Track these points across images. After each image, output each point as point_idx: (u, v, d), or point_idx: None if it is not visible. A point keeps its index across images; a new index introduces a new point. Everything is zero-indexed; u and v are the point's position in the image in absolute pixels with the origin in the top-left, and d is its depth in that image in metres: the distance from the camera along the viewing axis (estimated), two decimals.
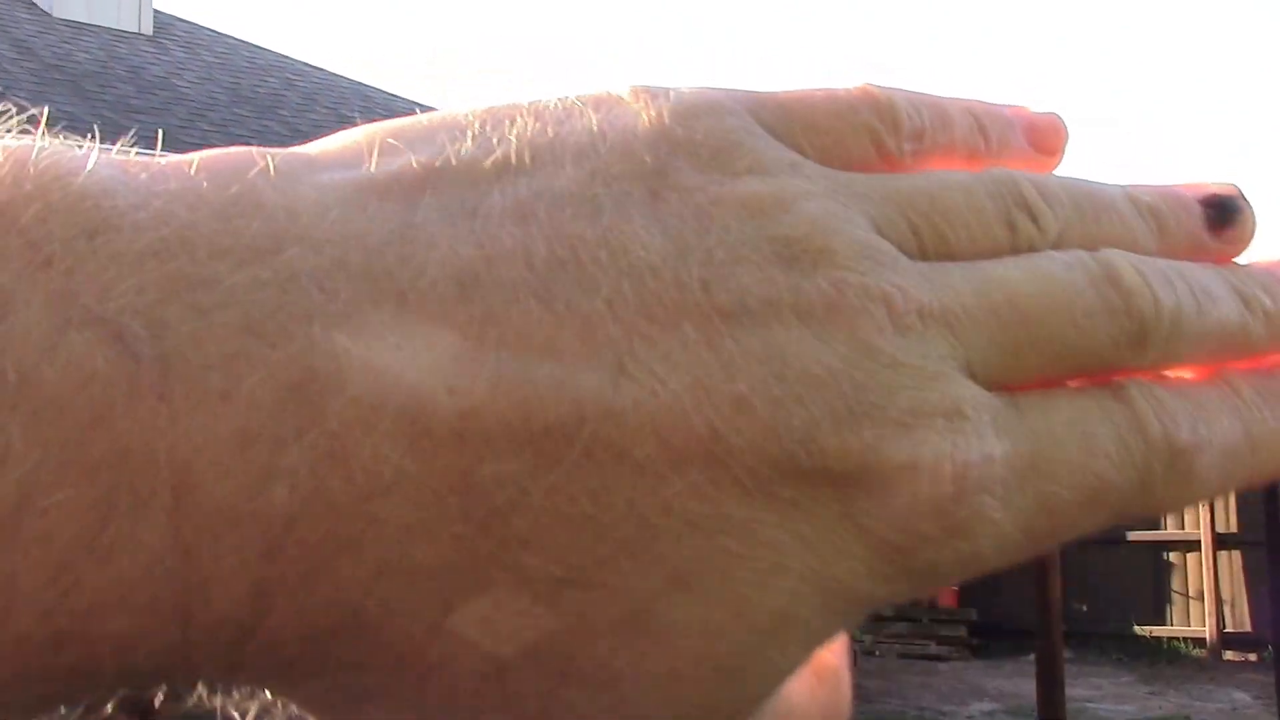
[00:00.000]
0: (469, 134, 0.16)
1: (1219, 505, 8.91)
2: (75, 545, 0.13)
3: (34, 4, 8.73)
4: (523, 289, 0.15)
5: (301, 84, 9.22)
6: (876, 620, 9.21)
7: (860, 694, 7.87)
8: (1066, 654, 6.06)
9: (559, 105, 0.17)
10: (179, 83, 8.37)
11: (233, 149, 0.16)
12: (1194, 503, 0.19)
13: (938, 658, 8.88)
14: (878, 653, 8.84)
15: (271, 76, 9.15)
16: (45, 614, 0.14)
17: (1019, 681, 7.55)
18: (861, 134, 0.18)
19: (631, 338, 0.15)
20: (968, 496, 0.16)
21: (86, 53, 8.27)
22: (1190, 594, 9.08)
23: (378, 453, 0.14)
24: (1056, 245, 0.18)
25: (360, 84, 9.86)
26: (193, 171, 0.15)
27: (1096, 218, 0.18)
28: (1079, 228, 0.18)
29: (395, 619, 0.15)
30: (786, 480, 0.15)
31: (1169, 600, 9.16)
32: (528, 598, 0.15)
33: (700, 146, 0.17)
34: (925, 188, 0.18)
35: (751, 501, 0.15)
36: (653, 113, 0.17)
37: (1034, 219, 0.18)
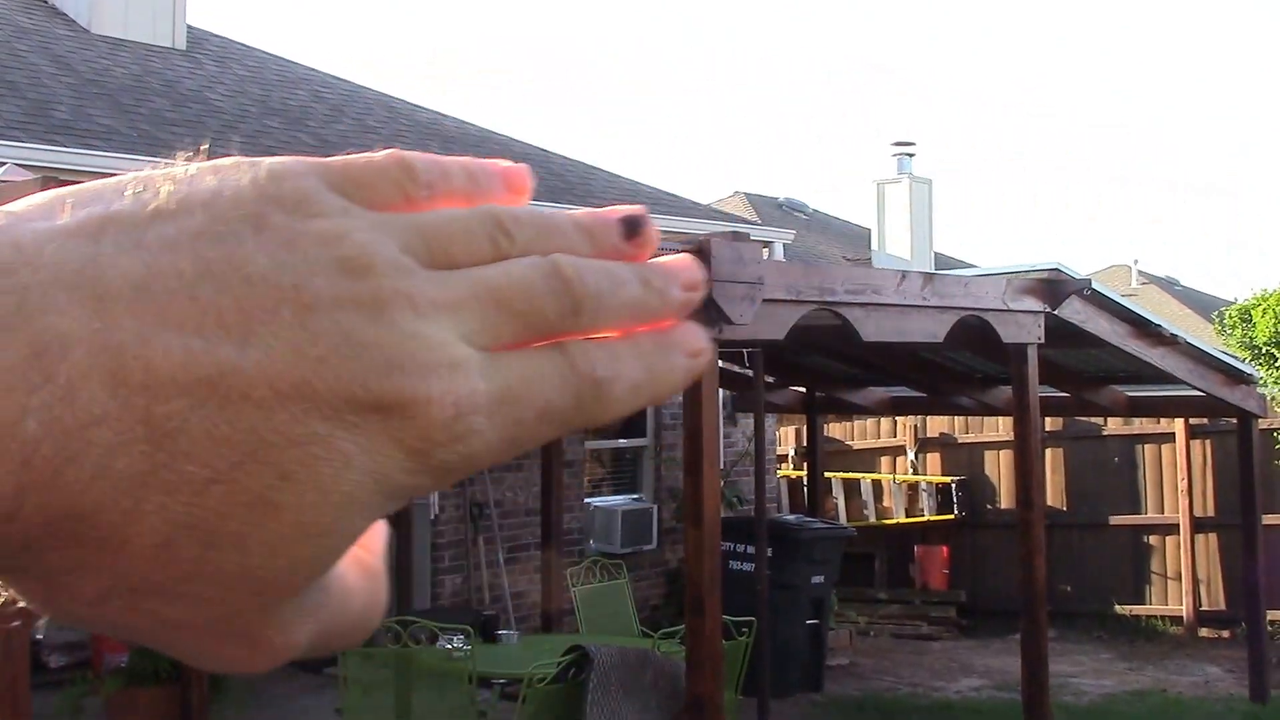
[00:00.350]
0: (130, 193, 0.23)
1: (1198, 490, 8.89)
2: None
3: (73, 20, 8.73)
4: (178, 292, 0.22)
5: (329, 96, 9.19)
6: (872, 603, 9.21)
7: (856, 671, 7.88)
8: (1050, 632, 6.08)
9: (189, 171, 0.24)
10: (212, 96, 8.35)
11: None
12: (616, 417, 0.26)
13: (929, 637, 8.90)
14: (872, 633, 8.86)
15: (300, 89, 9.12)
16: None
17: (1006, 659, 7.57)
18: (392, 186, 0.25)
19: (251, 321, 0.22)
20: (463, 417, 0.23)
21: (123, 68, 8.26)
22: (1168, 575, 9.08)
23: (92, 396, 0.21)
24: (524, 254, 0.25)
25: (385, 95, 9.82)
26: None
27: (550, 235, 0.26)
28: (539, 242, 0.25)
29: (103, 508, 0.21)
30: (351, 409, 0.22)
31: (1148, 581, 9.17)
32: (188, 491, 0.22)
33: (286, 198, 0.23)
34: (435, 220, 0.25)
35: (331, 423, 0.22)
36: (252, 176, 0.24)
37: (508, 235, 0.25)
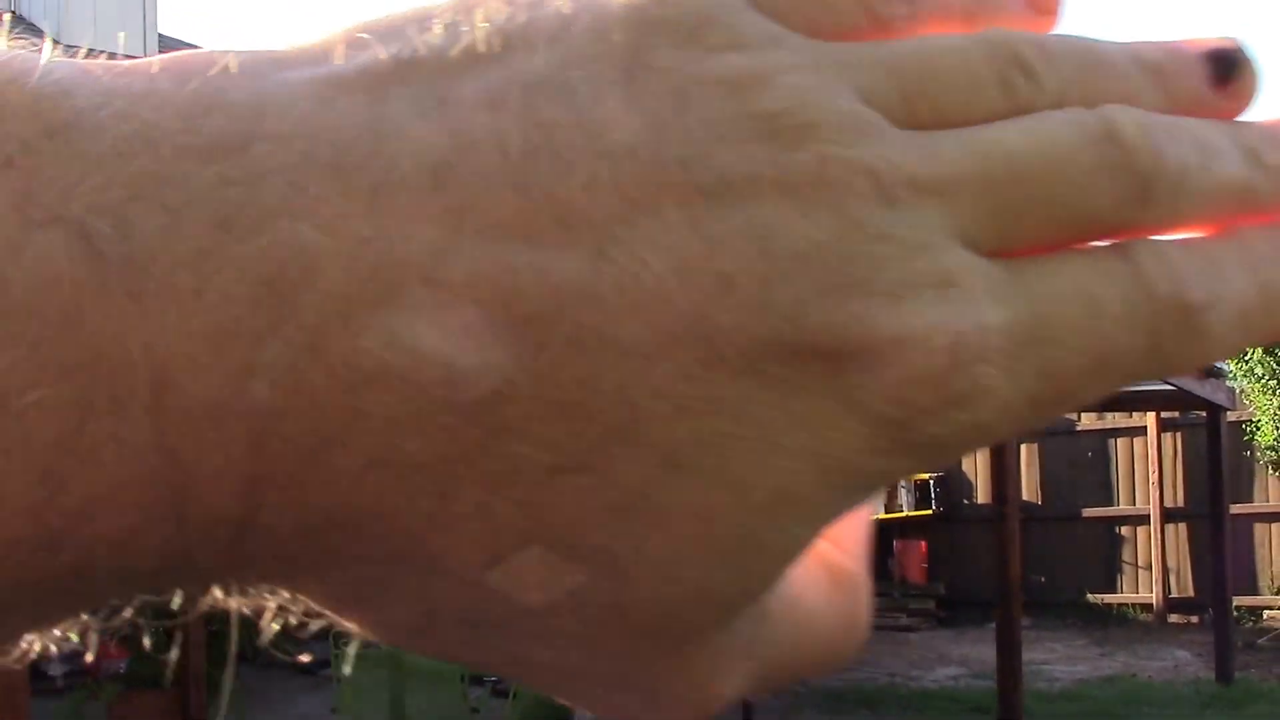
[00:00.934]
0: (438, 24, 0.16)
1: (1168, 482, 9.27)
2: (56, 447, 0.14)
3: (40, 30, 8.83)
4: (497, 177, 0.15)
5: None
6: None
7: None
8: (1025, 621, 6.38)
9: None
10: None
11: (195, 51, 0.16)
12: (1209, 362, 0.18)
13: (908, 628, 9.14)
14: None
15: None
16: (34, 515, 0.14)
17: (982, 648, 7.87)
18: (854, 3, 0.17)
19: (611, 221, 0.15)
20: (964, 367, 0.15)
21: None
22: (1139, 564, 9.41)
23: (357, 345, 0.14)
24: (1056, 105, 0.17)
25: None
26: (155, 71, 0.15)
27: (1097, 75, 0.17)
28: (1079, 86, 0.17)
29: (390, 511, 0.15)
30: (776, 358, 0.15)
31: (1119, 570, 9.47)
32: (521, 486, 0.15)
33: (676, 23, 0.16)
34: (916, 52, 0.17)
35: (742, 381, 0.15)
36: None
37: (1031, 79, 0.17)
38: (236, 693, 5.54)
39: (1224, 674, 7.24)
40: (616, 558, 0.15)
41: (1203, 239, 0.18)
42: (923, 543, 9.90)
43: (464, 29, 0.16)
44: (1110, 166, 0.16)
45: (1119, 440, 9.52)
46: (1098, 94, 0.17)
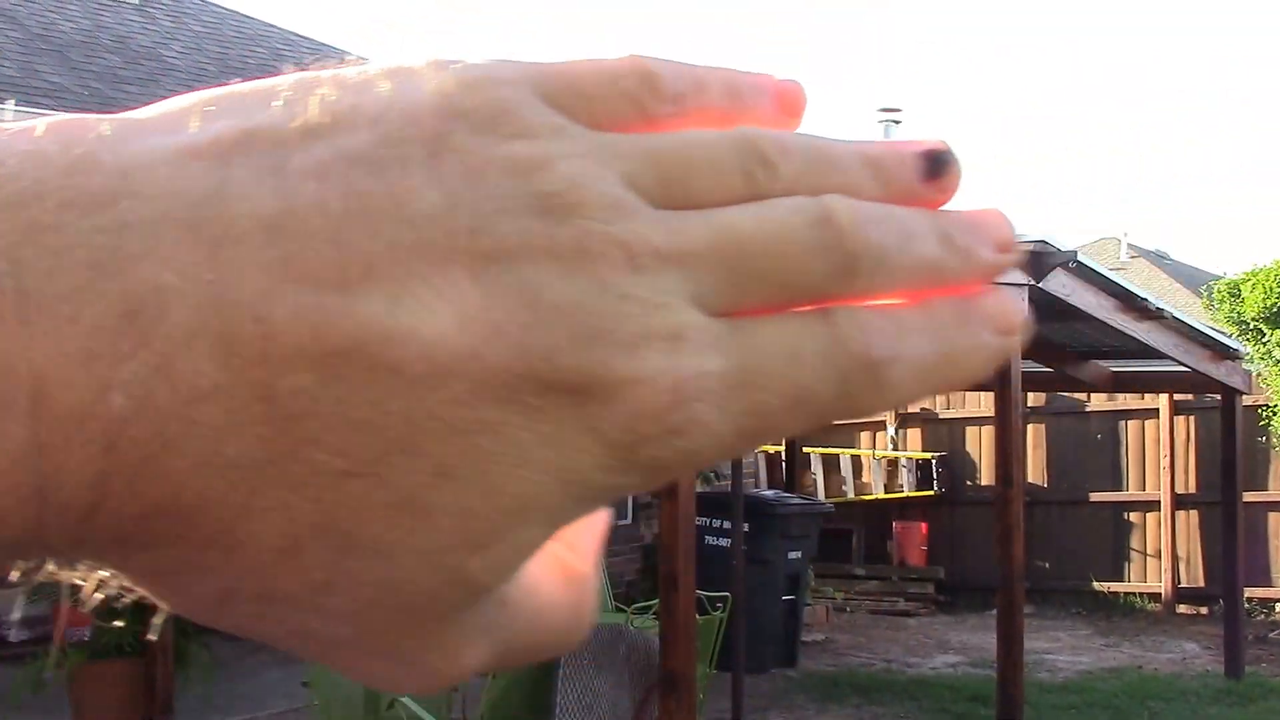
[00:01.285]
0: (277, 102, 0.19)
1: (1180, 467, 9.15)
2: None
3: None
4: (318, 235, 0.18)
5: (289, 54, 9.17)
6: (849, 579, 9.44)
7: (830, 648, 8.10)
8: (1028, 609, 6.29)
9: (359, 76, 0.20)
10: (166, 53, 8.32)
11: (73, 116, 0.19)
12: (893, 407, 0.22)
13: (906, 613, 9.14)
14: (849, 609, 9.09)
15: (259, 46, 9.09)
16: None
17: (983, 635, 7.81)
18: (625, 99, 0.20)
19: (409, 275, 0.18)
20: (683, 404, 0.19)
21: (72, 22, 8.19)
22: (1148, 552, 9.36)
23: (196, 368, 0.17)
24: (788, 192, 0.20)
25: (349, 53, 9.79)
26: (39, 134, 0.18)
27: (825, 169, 0.21)
28: (808, 178, 0.21)
29: (210, 503, 0.18)
30: (533, 390, 0.18)
31: (1127, 558, 9.44)
32: (317, 486, 0.18)
33: (476, 113, 0.19)
34: (675, 145, 0.20)
35: (504, 407, 0.18)
36: (438, 83, 0.19)
37: (769, 170, 0.20)
38: (205, 664, 5.42)
39: (1234, 668, 7.15)
40: (389, 546, 0.18)
41: (896, 307, 0.21)
42: (923, 525, 9.83)
43: (299, 108, 0.19)
44: (823, 245, 0.20)
45: (1130, 422, 9.42)
46: (824, 184, 0.21)
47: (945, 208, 0.22)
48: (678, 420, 0.19)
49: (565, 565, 0.24)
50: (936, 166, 0.22)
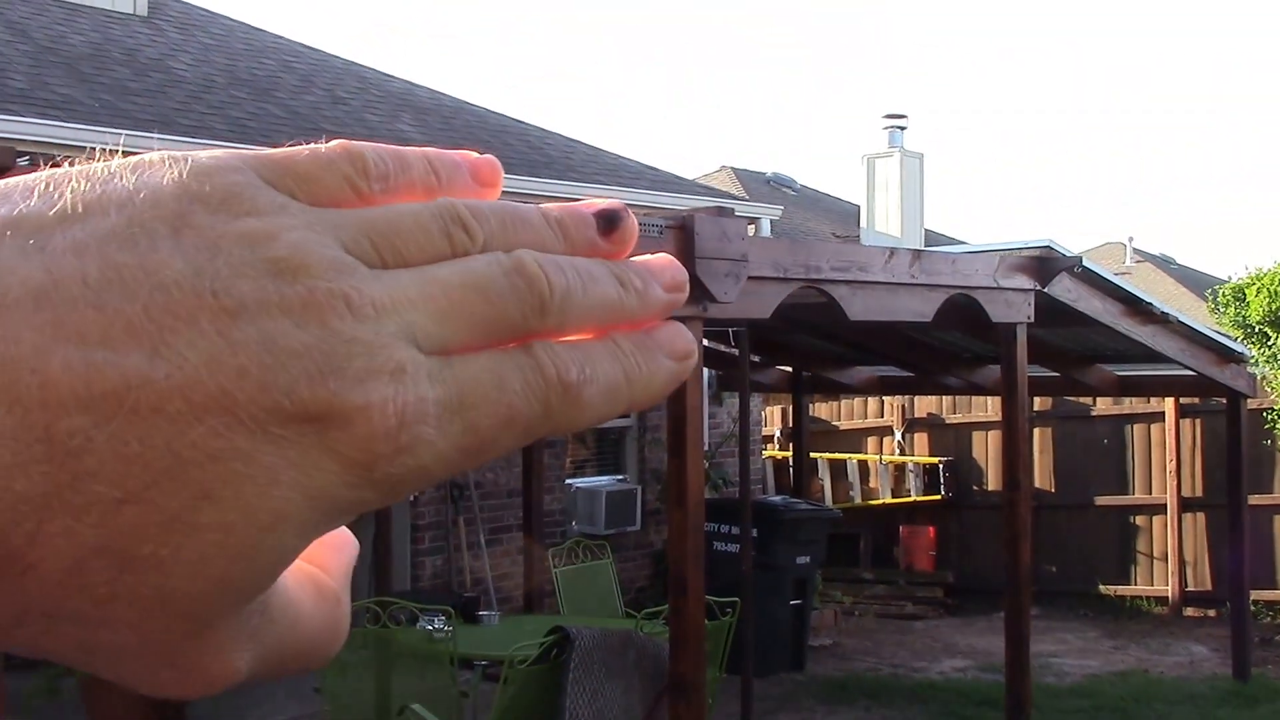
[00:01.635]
0: (36, 193, 0.23)
1: (1186, 470, 9.14)
2: None
3: None
4: (81, 301, 0.21)
5: (298, 65, 9.18)
6: (857, 583, 9.43)
7: (838, 652, 8.09)
8: (1035, 612, 6.30)
9: (107, 169, 0.23)
10: (175, 65, 8.33)
11: None
12: (591, 423, 0.25)
13: (914, 617, 9.13)
14: (857, 613, 9.09)
15: (268, 58, 9.12)
16: None
17: (991, 639, 7.80)
18: (340, 179, 0.24)
19: (163, 331, 0.21)
20: (408, 426, 0.22)
21: (81, 35, 8.21)
22: (1155, 555, 9.34)
23: None
24: (485, 250, 0.24)
25: (355, 64, 9.82)
26: None
27: (516, 230, 0.25)
28: (502, 237, 0.25)
29: (2, 533, 0.21)
30: (277, 421, 0.22)
31: (1134, 561, 9.43)
32: (96, 513, 0.21)
33: (211, 197, 0.23)
34: (384, 215, 0.24)
35: (253, 437, 0.21)
36: (175, 173, 0.23)
37: (467, 231, 0.24)
38: None
39: (1241, 670, 7.15)
40: (161, 562, 0.22)
41: (586, 340, 0.25)
42: (930, 529, 9.82)
43: (55, 198, 0.23)
44: (515, 289, 0.24)
45: (1135, 426, 9.42)
46: (516, 242, 0.25)
47: (626, 257, 0.27)
48: (405, 440, 0.22)
49: (319, 583, 0.28)
50: (610, 224, 0.26)
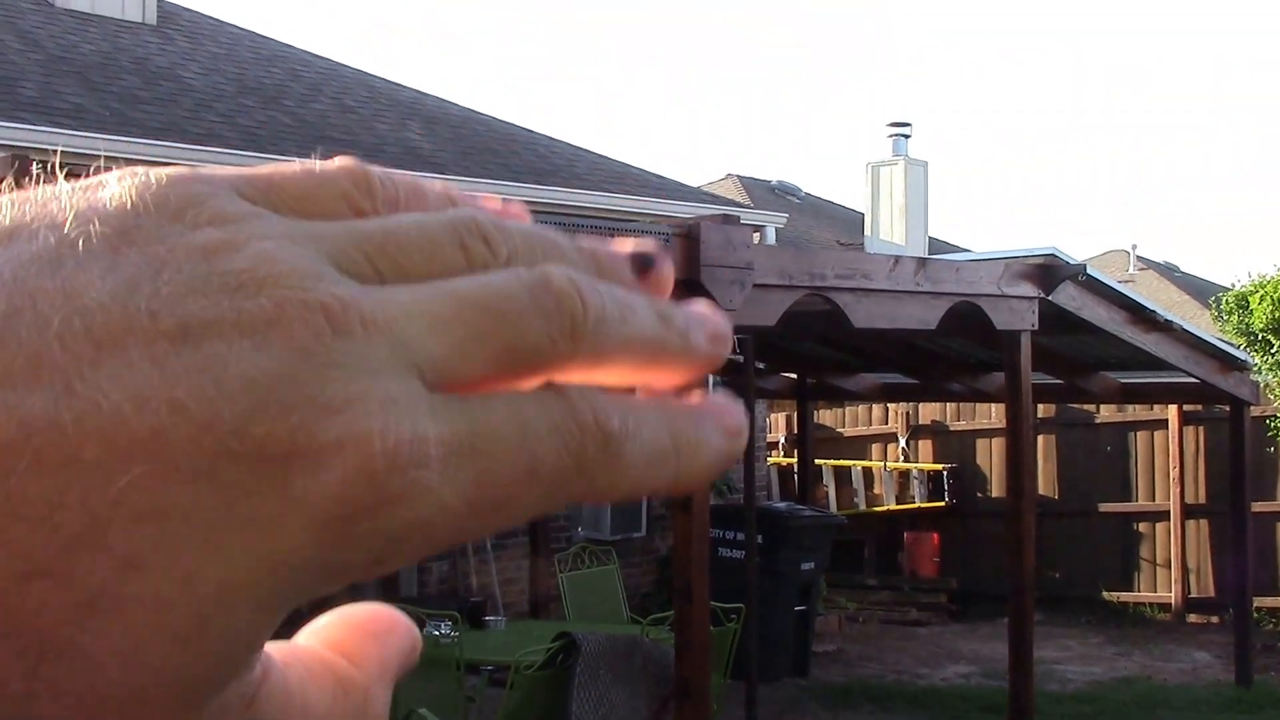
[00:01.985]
0: None
1: (1189, 478, 9.16)
2: None
3: None
4: None
5: (306, 74, 9.23)
6: (862, 589, 9.45)
7: (842, 658, 8.11)
8: (1038, 618, 6.31)
9: (53, 190, 0.20)
10: (184, 73, 8.39)
11: None
12: (630, 493, 0.20)
13: (918, 623, 9.15)
14: (861, 619, 9.11)
15: (276, 66, 9.16)
16: None
17: (995, 645, 7.81)
18: (336, 197, 0.20)
19: (79, 363, 0.17)
20: (401, 470, 0.17)
21: (92, 44, 8.28)
22: (1158, 562, 9.36)
23: None
24: (507, 266, 0.20)
25: (364, 73, 9.87)
26: None
27: (544, 248, 0.21)
28: (528, 255, 0.20)
29: None
30: (226, 465, 0.17)
31: (1137, 568, 9.44)
32: None
33: (166, 206, 0.19)
34: (382, 225, 0.20)
35: (194, 487, 0.17)
36: (125, 188, 0.19)
37: (487, 243, 0.20)
38: None
39: (1243, 677, 7.15)
40: (84, 648, 0.17)
41: (626, 393, 0.21)
42: (934, 535, 9.84)
43: None
44: (542, 306, 0.19)
45: (1139, 433, 9.43)
46: (542, 261, 0.20)
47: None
48: (397, 487, 0.17)
49: (341, 677, 0.23)
50: (645, 266, 0.22)
